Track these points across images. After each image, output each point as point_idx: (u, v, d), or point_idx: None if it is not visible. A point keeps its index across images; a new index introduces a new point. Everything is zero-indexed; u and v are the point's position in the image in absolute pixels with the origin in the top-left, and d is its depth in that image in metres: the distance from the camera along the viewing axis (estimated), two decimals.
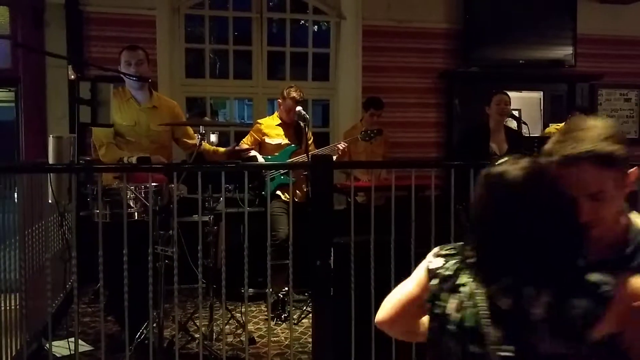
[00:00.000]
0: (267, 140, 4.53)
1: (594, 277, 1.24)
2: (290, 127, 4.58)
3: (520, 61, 5.87)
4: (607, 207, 1.34)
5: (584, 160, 1.31)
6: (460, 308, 1.31)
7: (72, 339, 2.98)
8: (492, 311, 1.26)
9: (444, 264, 1.41)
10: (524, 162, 1.32)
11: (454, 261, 1.39)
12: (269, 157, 4.46)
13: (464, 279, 1.34)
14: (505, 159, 1.35)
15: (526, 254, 1.26)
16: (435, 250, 1.48)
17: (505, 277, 1.27)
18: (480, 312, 1.27)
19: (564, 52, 5.96)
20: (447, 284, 1.36)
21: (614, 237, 1.38)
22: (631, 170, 1.37)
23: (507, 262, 1.28)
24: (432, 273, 1.41)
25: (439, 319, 1.36)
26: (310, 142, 4.52)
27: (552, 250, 1.26)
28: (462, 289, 1.33)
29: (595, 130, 1.34)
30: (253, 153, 4.32)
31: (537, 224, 1.26)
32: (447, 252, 1.44)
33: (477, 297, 1.29)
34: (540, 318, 1.21)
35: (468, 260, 1.36)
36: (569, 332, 1.21)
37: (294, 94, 4.41)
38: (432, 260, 1.44)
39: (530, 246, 1.26)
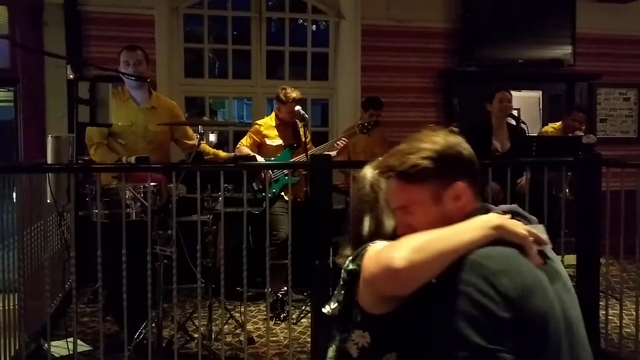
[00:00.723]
0: (268, 142, 4.48)
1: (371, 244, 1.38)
2: (289, 126, 4.54)
3: (519, 60, 5.87)
4: (419, 219, 1.32)
5: (388, 174, 1.34)
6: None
7: (71, 339, 2.98)
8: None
9: None
10: (365, 170, 1.52)
11: None
12: (271, 158, 4.44)
13: None
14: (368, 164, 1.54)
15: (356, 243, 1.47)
16: None
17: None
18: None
19: (563, 51, 5.96)
20: None
21: None
22: (458, 183, 1.31)
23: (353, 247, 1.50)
24: None
25: None
26: (307, 140, 4.51)
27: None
28: None
29: (411, 144, 1.33)
30: (257, 158, 4.29)
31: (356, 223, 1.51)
32: None
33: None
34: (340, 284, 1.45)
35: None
36: (348, 293, 1.40)
37: (294, 95, 4.35)
38: None
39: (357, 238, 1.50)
